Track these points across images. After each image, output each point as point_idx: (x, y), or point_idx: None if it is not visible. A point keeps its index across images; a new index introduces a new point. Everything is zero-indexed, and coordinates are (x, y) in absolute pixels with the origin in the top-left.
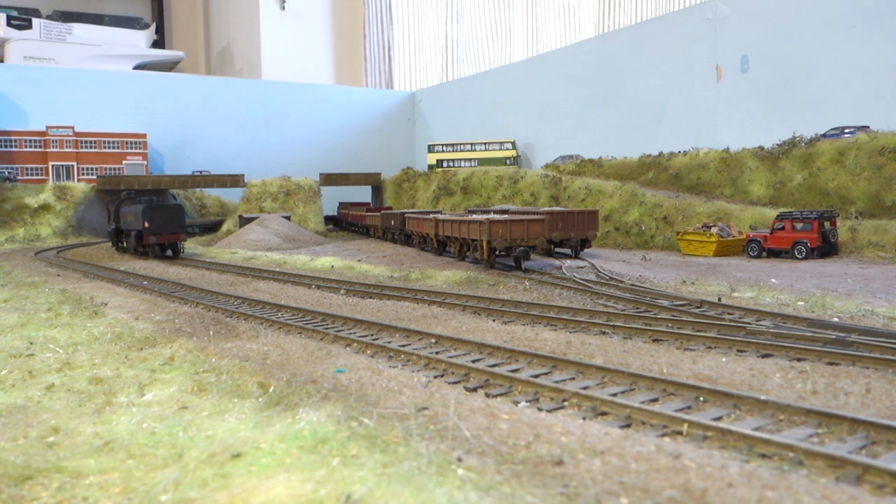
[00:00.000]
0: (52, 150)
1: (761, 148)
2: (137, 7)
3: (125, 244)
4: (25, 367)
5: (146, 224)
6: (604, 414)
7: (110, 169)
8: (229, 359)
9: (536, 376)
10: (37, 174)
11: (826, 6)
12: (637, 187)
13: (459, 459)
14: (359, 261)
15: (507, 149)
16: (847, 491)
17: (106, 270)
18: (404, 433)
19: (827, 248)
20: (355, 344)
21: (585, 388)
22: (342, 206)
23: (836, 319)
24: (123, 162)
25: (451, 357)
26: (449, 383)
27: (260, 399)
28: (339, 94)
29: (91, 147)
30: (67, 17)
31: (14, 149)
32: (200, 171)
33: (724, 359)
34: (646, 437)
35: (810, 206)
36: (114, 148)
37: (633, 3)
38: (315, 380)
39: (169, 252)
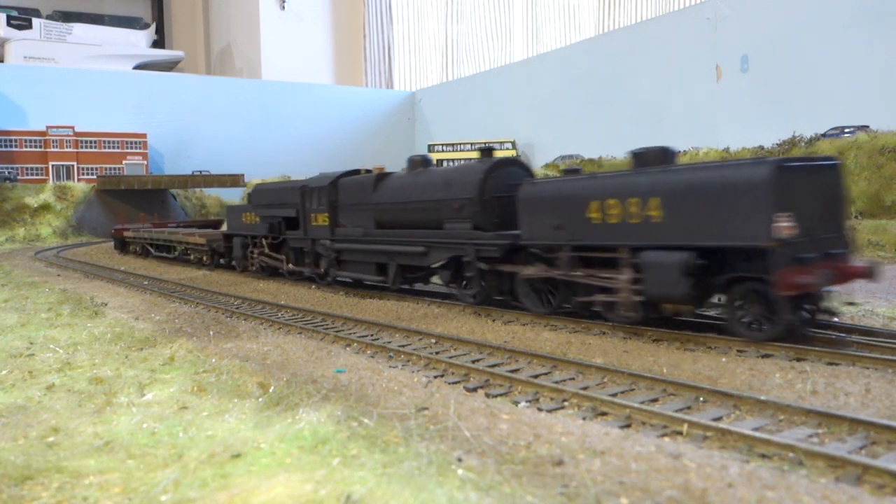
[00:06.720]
0: (52, 149)
1: (761, 148)
2: (137, 7)
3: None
4: (25, 367)
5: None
6: (604, 414)
7: (110, 169)
8: (229, 359)
9: (536, 376)
10: (37, 174)
11: (826, 6)
12: None
13: (459, 459)
14: None
15: (507, 149)
16: (847, 491)
17: (106, 270)
18: (404, 433)
19: None
20: (355, 344)
21: (585, 388)
22: None
23: (836, 319)
24: (123, 162)
25: (451, 357)
26: (449, 383)
27: (260, 399)
28: (339, 94)
29: (91, 147)
30: (67, 17)
31: (14, 149)
32: (200, 171)
33: (724, 359)
34: (646, 437)
35: None
36: (114, 148)
37: (633, 3)
38: (315, 380)
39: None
